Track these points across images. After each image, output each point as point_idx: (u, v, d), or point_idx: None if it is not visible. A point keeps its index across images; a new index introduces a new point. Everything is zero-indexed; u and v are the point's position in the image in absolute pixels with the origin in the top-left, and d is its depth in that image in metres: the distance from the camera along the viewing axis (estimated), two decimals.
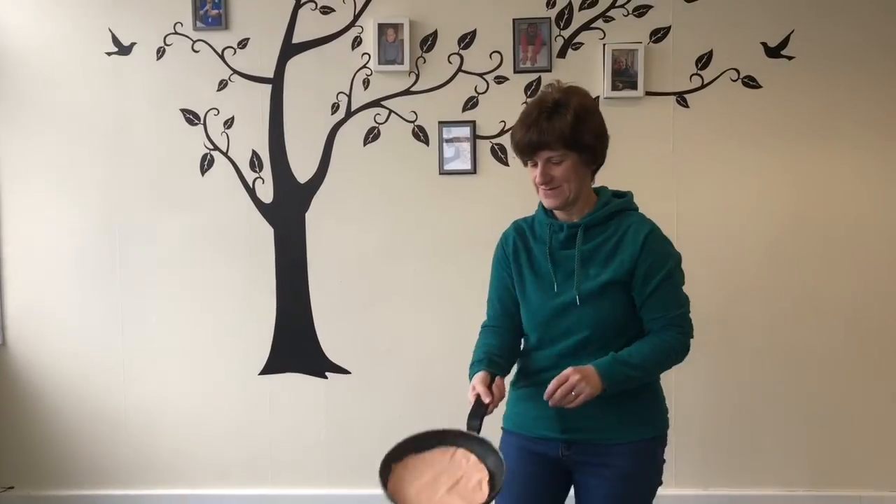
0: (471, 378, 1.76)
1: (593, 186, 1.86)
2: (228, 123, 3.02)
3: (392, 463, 1.59)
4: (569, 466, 1.83)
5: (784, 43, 2.88)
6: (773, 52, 2.89)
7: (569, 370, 1.67)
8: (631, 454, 1.78)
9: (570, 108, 1.72)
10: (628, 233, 1.78)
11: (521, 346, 1.91)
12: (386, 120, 2.99)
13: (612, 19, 2.91)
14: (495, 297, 1.92)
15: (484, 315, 1.97)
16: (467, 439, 1.63)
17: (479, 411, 1.64)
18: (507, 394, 1.83)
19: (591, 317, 1.77)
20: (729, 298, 2.95)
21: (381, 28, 2.93)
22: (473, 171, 2.97)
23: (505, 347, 1.85)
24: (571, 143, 1.72)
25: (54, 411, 3.13)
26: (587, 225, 1.80)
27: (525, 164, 1.83)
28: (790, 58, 2.89)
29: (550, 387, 1.67)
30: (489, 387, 1.70)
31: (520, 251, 1.88)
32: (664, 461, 1.88)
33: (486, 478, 1.57)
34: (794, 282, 2.94)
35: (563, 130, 1.71)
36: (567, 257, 1.80)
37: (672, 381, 2.96)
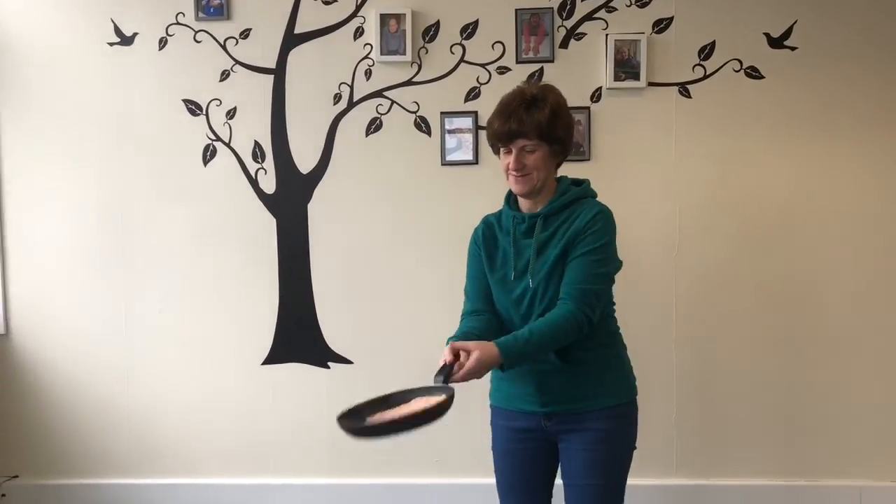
0: None
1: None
2: (231, 114, 3.03)
3: (362, 436, 1.78)
4: (552, 436, 1.97)
5: (787, 33, 2.88)
6: (776, 42, 2.88)
7: (473, 359, 1.76)
8: (607, 418, 1.95)
9: (547, 103, 1.89)
10: (582, 212, 1.93)
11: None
12: (388, 111, 2.99)
13: (615, 9, 2.90)
14: (474, 287, 2.06)
15: None
16: (425, 390, 1.78)
17: (443, 370, 1.76)
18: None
19: (546, 295, 1.92)
20: (728, 288, 2.95)
21: (383, 18, 2.92)
22: (475, 161, 2.97)
23: (483, 329, 1.96)
24: (546, 134, 1.89)
25: (58, 401, 3.14)
26: (546, 215, 1.95)
27: (497, 153, 1.99)
28: (793, 48, 2.88)
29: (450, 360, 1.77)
30: (457, 353, 1.79)
31: (489, 242, 2.04)
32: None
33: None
34: (794, 271, 2.94)
35: (540, 122, 1.88)
36: (527, 246, 1.96)
37: (674, 374, 2.97)
